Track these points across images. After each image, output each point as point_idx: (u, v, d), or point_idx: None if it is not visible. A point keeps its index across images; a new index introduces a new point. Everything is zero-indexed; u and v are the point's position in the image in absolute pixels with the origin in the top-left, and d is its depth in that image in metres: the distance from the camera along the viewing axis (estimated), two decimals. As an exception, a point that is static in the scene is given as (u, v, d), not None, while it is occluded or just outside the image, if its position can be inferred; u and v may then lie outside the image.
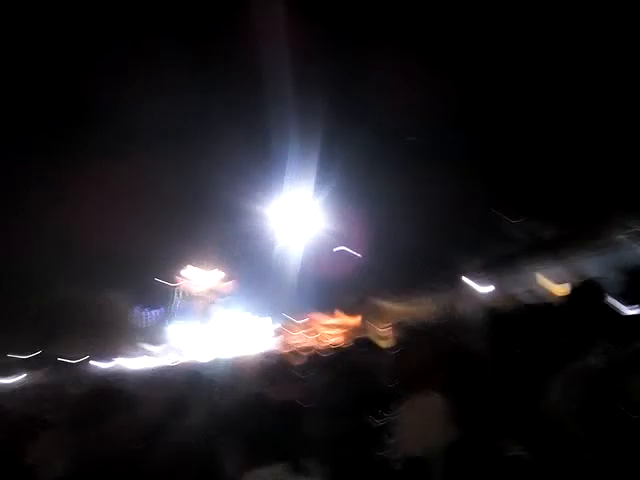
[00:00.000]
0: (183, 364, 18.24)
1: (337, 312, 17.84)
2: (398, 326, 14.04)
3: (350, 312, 15.83)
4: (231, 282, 41.41)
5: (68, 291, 36.55)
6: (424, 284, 20.08)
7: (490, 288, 18.28)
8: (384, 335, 12.93)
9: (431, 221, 22.40)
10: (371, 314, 13.89)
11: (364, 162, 23.22)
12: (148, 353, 39.81)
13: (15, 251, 36.54)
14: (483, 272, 18.99)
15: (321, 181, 24.87)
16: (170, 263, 52.16)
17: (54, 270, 39.68)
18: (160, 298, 67.75)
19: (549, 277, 16.08)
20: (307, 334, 17.68)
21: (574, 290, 3.14)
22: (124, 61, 26.03)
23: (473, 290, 18.95)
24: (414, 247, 23.20)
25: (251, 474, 1.36)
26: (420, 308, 17.06)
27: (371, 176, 23.41)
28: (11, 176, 37.86)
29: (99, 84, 25.30)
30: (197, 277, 43.62)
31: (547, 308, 7.87)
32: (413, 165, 23.31)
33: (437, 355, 6.73)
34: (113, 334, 37.67)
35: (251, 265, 34.76)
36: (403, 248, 23.26)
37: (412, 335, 10.19)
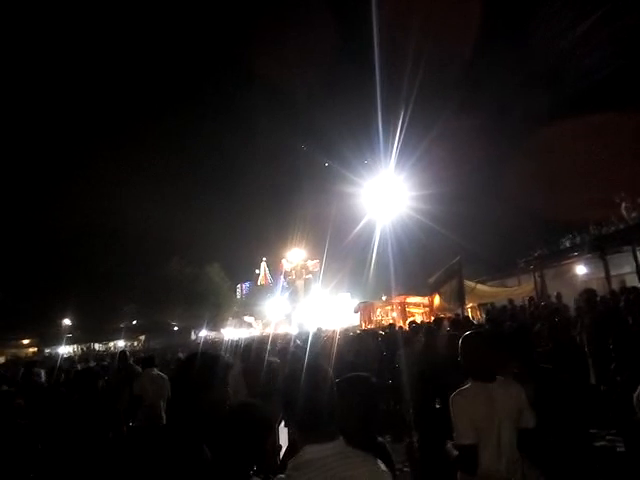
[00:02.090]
0: (274, 334, 19.51)
1: (420, 290, 17.80)
2: (482, 307, 13.79)
3: (433, 291, 15.68)
4: (316, 261, 42.89)
5: (172, 267, 40.10)
6: (514, 264, 19.24)
7: (591, 269, 17.01)
8: (467, 315, 12.74)
9: (525, 198, 21.30)
10: (455, 294, 13.65)
11: (453, 145, 22.66)
12: (243, 324, 42.64)
13: (126, 234, 41.01)
14: (584, 252, 17.68)
15: (408, 164, 24.70)
16: (261, 243, 55.04)
17: (160, 250, 43.93)
18: (253, 274, 71.78)
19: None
20: (389, 311, 17.85)
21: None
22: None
23: (572, 271, 17.76)
24: (505, 225, 22.26)
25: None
26: (509, 290, 16.42)
27: (462, 159, 22.85)
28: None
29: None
30: (287, 255, 45.53)
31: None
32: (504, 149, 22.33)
33: (520, 339, 6.60)
34: (212, 306, 40.70)
35: (337, 246, 35.46)
36: (493, 227, 22.42)
37: (496, 316, 10.00)
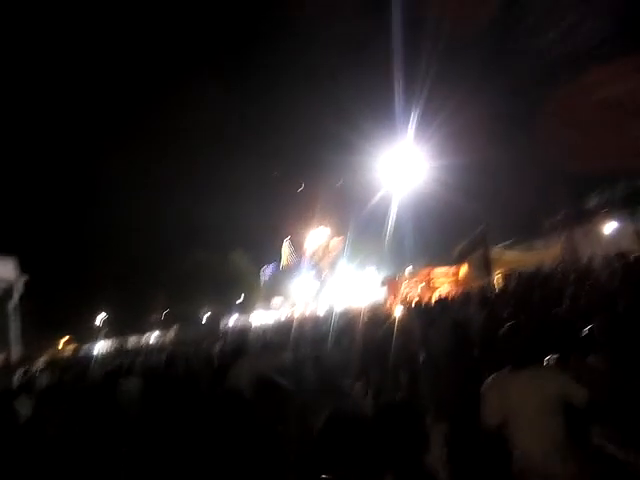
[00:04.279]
0: (301, 316, 19.63)
1: (446, 261, 17.53)
2: (510, 274, 13.48)
3: (460, 260, 15.43)
4: (340, 238, 42.79)
5: (198, 257, 40.65)
6: (541, 226, 18.76)
7: (622, 224, 16.38)
8: (495, 284, 12.47)
9: (549, 156, 20.57)
10: (482, 263, 13.39)
11: (471, 112, 21.88)
12: (270, 307, 43.14)
13: (151, 225, 41.61)
14: (611, 209, 17.06)
15: (427, 132, 23.99)
16: (284, 224, 55.03)
17: (184, 239, 44.61)
18: (277, 257, 72.20)
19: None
20: (416, 284, 17.64)
21: None
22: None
23: (601, 228, 17.17)
24: (529, 186, 21.60)
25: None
26: (537, 254, 15.98)
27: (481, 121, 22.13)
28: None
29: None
30: (311, 235, 45.55)
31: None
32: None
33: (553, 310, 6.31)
34: (239, 292, 41.29)
35: (360, 220, 35.15)
36: (517, 188, 21.79)
37: (525, 284, 9.70)
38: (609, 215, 16.60)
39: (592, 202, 18.45)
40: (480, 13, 21.80)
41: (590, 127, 18.06)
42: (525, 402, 2.45)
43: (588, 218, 17.94)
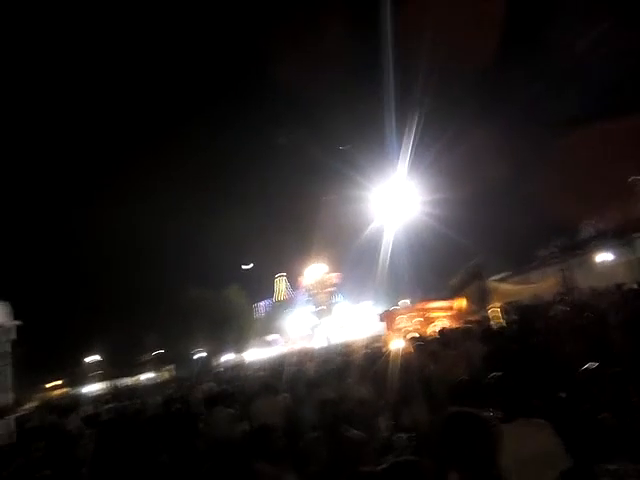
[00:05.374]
0: (299, 351, 19.26)
1: (443, 295, 17.42)
2: (508, 306, 13.40)
3: (456, 293, 15.31)
4: (337, 274, 42.61)
5: (191, 294, 40.21)
6: (536, 258, 18.84)
7: (616, 253, 16.45)
8: (493, 316, 12.35)
9: (543, 192, 20.91)
10: (478, 295, 13.32)
11: (465, 146, 22.44)
12: (265, 343, 42.34)
13: (143, 267, 41.44)
14: (607, 239, 17.18)
15: (422, 166, 24.35)
16: (279, 260, 54.94)
17: (178, 277, 44.31)
18: (272, 292, 71.72)
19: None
20: (413, 317, 17.47)
21: None
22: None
23: (596, 258, 17.23)
24: (524, 220, 21.85)
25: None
26: (533, 286, 15.93)
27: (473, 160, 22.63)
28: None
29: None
30: (307, 270, 45.23)
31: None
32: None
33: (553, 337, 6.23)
34: (234, 328, 40.60)
35: (355, 254, 35.15)
36: (512, 222, 22.01)
37: (523, 316, 9.61)
38: (603, 246, 16.71)
39: (586, 234, 18.64)
40: (476, 51, 22.62)
41: (582, 164, 18.50)
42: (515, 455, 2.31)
43: (582, 249, 18.05)
